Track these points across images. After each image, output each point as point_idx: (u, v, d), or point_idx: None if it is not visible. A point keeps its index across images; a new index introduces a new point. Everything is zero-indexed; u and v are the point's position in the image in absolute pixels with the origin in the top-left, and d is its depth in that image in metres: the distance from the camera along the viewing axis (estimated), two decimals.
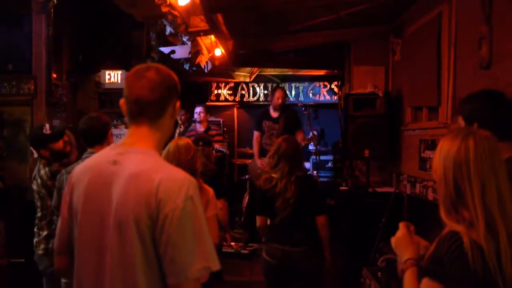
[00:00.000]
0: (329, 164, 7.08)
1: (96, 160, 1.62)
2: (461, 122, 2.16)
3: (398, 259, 1.70)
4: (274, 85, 8.43)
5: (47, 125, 3.53)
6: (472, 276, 1.36)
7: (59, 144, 3.50)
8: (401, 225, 1.73)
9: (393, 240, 1.73)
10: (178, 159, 2.93)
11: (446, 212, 1.50)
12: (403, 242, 1.68)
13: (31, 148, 3.68)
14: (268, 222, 3.53)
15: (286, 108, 6.28)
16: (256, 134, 6.31)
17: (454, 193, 1.47)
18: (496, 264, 1.37)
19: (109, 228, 1.47)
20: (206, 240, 1.47)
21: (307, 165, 6.89)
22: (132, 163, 1.51)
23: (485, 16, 3.12)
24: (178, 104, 1.65)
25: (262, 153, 6.17)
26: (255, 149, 6.32)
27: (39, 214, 3.48)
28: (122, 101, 1.61)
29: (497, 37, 3.06)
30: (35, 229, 3.50)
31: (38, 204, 3.48)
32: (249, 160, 6.78)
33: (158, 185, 1.43)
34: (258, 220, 3.54)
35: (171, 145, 3.08)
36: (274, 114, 6.21)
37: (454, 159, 1.47)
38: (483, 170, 1.44)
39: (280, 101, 6.08)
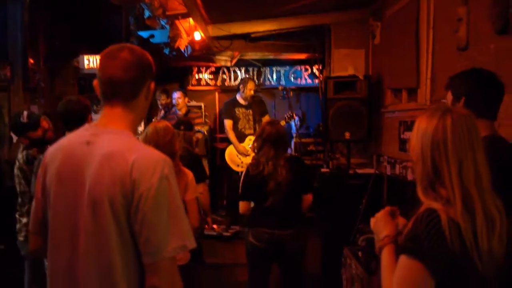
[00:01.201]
0: (310, 147, 7.13)
1: (69, 140, 1.60)
2: (449, 96, 2.17)
3: (376, 238, 1.69)
4: (256, 69, 8.43)
5: (25, 113, 3.51)
6: (450, 252, 1.37)
7: (37, 133, 3.49)
8: (385, 208, 1.72)
9: (372, 220, 1.73)
10: (156, 142, 2.92)
11: (423, 191, 1.50)
12: (382, 221, 1.67)
13: (11, 133, 3.67)
14: (252, 206, 3.52)
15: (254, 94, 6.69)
16: (229, 122, 6.51)
17: (432, 172, 1.47)
18: (472, 241, 1.39)
19: (83, 209, 1.45)
20: (181, 219, 1.47)
21: (288, 150, 6.92)
22: (105, 144, 1.49)
23: None
24: (152, 85, 1.63)
25: (242, 138, 6.45)
26: (232, 136, 6.47)
27: (19, 200, 3.46)
28: (95, 82, 1.59)
29: (474, 19, 3.10)
30: (17, 215, 3.48)
31: (18, 189, 3.46)
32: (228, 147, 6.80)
33: (132, 164, 1.42)
34: (242, 206, 3.49)
35: (149, 128, 3.07)
36: (244, 102, 6.54)
37: (432, 137, 1.47)
38: (461, 149, 1.44)
39: (252, 92, 6.48)
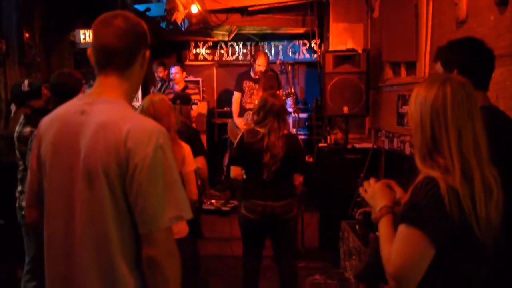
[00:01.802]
0: (309, 122, 7.13)
1: (63, 110, 1.57)
2: (439, 68, 2.11)
3: (372, 210, 1.69)
4: (254, 44, 8.35)
5: (26, 82, 3.43)
6: (449, 219, 1.38)
7: (40, 102, 3.42)
8: (381, 181, 1.72)
9: (369, 191, 1.72)
10: (152, 115, 2.91)
11: (421, 159, 1.50)
12: (379, 192, 1.67)
13: (12, 104, 3.60)
14: (244, 176, 3.53)
15: (266, 69, 6.29)
16: (236, 94, 6.34)
17: (431, 140, 1.47)
18: (471, 207, 1.39)
19: (78, 178, 1.44)
20: (177, 189, 1.46)
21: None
22: (100, 113, 1.47)
23: None
24: (148, 53, 1.59)
25: (242, 113, 6.29)
26: (234, 109, 6.35)
27: (19, 176, 3.45)
28: (89, 51, 1.56)
29: None
30: (18, 190, 3.46)
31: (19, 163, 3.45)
32: (229, 120, 6.78)
33: (127, 134, 1.41)
34: (234, 171, 3.51)
35: (145, 101, 3.06)
36: (254, 76, 6.25)
37: (432, 105, 1.46)
38: (460, 117, 1.44)
39: (261, 68, 6.07)
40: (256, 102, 4.11)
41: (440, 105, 1.45)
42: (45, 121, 1.60)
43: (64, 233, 1.48)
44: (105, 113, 1.47)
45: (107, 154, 1.40)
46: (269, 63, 6.32)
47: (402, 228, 1.43)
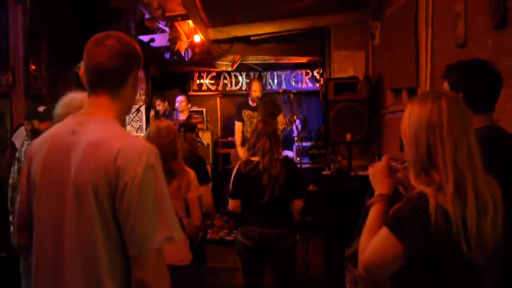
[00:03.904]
0: (312, 151, 7.12)
1: (54, 131, 1.56)
2: (446, 86, 2.12)
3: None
4: (257, 73, 8.44)
5: (43, 107, 3.57)
6: (432, 235, 1.37)
7: (42, 126, 3.49)
8: (384, 157, 1.70)
9: (371, 169, 1.70)
10: (158, 142, 2.91)
11: (415, 175, 1.49)
12: (379, 174, 1.65)
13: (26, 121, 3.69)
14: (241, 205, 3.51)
15: (263, 95, 6.44)
16: (237, 124, 6.41)
17: (426, 155, 1.46)
18: (460, 225, 1.37)
19: (68, 198, 1.42)
20: (167, 210, 1.44)
21: (290, 153, 6.91)
22: (91, 132, 1.45)
23: None
24: (140, 74, 1.59)
25: (244, 142, 6.24)
26: (237, 139, 6.40)
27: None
28: (81, 71, 1.54)
29: (472, 14, 3.09)
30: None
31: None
32: (232, 150, 6.79)
33: (117, 153, 1.39)
34: (232, 203, 3.51)
35: (151, 127, 3.08)
36: (252, 103, 6.35)
37: (427, 122, 1.46)
38: (456, 130, 1.44)
39: (257, 93, 6.20)
40: None
41: (436, 119, 1.45)
42: (36, 142, 1.58)
43: (53, 253, 1.45)
44: (96, 132, 1.46)
45: (96, 172, 1.39)
46: (270, 91, 6.40)
47: (383, 230, 1.47)
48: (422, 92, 2.24)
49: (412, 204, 1.42)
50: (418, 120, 1.49)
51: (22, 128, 3.93)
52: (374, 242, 1.48)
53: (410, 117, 1.52)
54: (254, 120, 6.25)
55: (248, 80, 8.33)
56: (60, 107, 2.64)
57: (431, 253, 1.40)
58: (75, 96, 2.64)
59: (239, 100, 6.67)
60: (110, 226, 1.40)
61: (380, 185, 1.64)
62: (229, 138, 7.66)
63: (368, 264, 1.50)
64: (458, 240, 1.38)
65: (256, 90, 6.19)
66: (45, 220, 1.48)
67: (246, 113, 6.35)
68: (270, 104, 6.46)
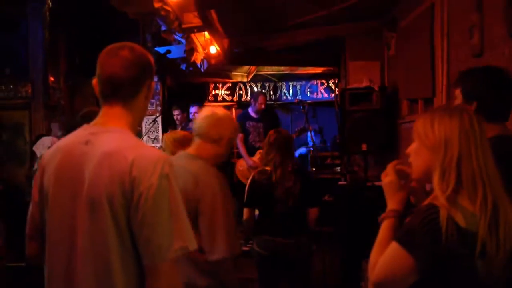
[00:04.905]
0: (328, 161, 7.10)
1: (67, 141, 1.56)
2: (458, 94, 2.06)
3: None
4: (272, 84, 8.47)
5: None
6: (443, 248, 1.36)
7: None
8: (389, 167, 1.65)
9: (383, 178, 1.66)
10: (174, 153, 2.93)
11: (439, 180, 1.45)
12: (389, 189, 1.62)
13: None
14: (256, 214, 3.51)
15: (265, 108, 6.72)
16: (239, 136, 6.45)
17: (456, 160, 1.43)
18: (475, 235, 1.36)
19: (81, 208, 1.41)
20: (182, 220, 1.43)
21: (304, 150, 6.96)
22: (105, 142, 1.45)
23: (476, 3, 3.13)
24: (153, 84, 1.60)
25: (251, 151, 6.46)
26: (243, 150, 6.48)
27: None
28: (94, 81, 1.54)
29: (488, 24, 3.07)
30: None
31: None
32: (236, 160, 6.81)
33: (132, 163, 1.38)
34: (246, 213, 3.49)
35: (166, 139, 3.10)
36: (255, 115, 6.53)
37: (459, 126, 1.44)
38: (481, 143, 1.44)
39: (263, 106, 6.47)
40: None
41: (468, 127, 1.44)
42: (49, 152, 1.58)
43: (65, 265, 1.44)
44: (110, 142, 1.45)
45: (111, 183, 1.38)
46: (286, 101, 6.47)
47: (393, 245, 1.44)
48: (439, 105, 2.20)
49: (422, 216, 1.41)
50: (449, 126, 1.46)
51: (44, 138, 3.99)
52: (384, 257, 1.45)
53: (441, 122, 1.48)
54: (262, 130, 6.44)
55: (266, 90, 8.42)
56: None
57: (442, 266, 1.39)
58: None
59: (240, 113, 6.88)
60: (125, 236, 1.40)
61: (390, 199, 1.61)
62: (234, 149, 7.69)
63: (379, 281, 1.46)
64: (469, 253, 1.36)
65: (262, 102, 6.45)
66: (58, 230, 1.48)
67: (251, 124, 6.52)
68: (273, 116, 6.85)
